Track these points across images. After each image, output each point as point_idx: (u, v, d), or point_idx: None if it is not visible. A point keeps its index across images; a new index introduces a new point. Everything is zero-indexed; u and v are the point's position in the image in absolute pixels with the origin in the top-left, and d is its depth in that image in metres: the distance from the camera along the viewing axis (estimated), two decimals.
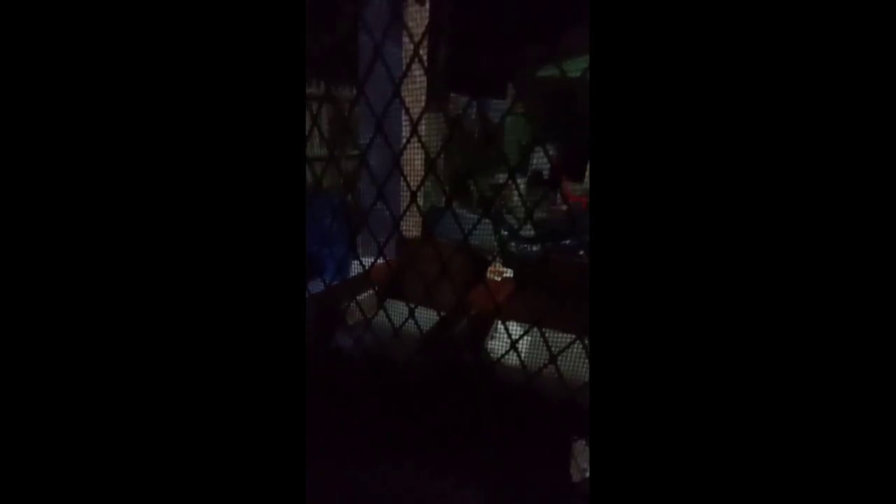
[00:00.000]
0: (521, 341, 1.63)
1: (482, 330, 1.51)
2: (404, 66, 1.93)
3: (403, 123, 1.97)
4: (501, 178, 4.53)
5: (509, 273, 1.83)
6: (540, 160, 5.78)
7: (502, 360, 1.47)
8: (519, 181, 4.90)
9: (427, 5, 1.87)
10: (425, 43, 1.98)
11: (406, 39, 1.86)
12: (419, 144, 2.06)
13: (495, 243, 2.32)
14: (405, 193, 2.05)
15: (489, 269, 1.79)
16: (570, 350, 1.47)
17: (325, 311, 1.50)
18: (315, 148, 4.68)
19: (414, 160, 2.02)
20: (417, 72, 1.89)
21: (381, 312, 1.69)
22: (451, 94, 3.90)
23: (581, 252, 2.95)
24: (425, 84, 1.99)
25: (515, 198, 4.18)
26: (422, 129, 2.05)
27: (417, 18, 1.86)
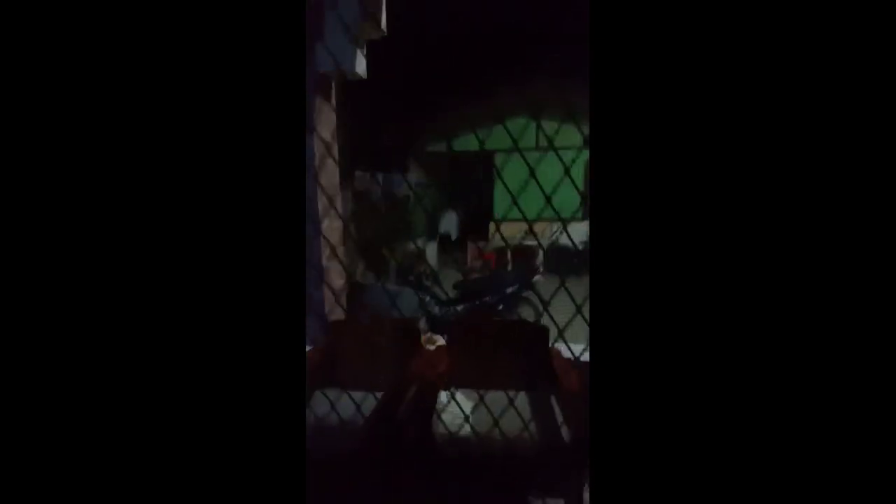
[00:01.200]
0: (468, 407, 1.62)
1: (429, 403, 1.48)
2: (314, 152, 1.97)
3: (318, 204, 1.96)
4: (412, 245, 4.68)
5: (442, 340, 1.85)
6: (445, 225, 6.13)
7: (456, 431, 1.44)
8: (428, 247, 5.09)
9: (332, 98, 1.98)
10: (333, 129, 2.06)
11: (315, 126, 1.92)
12: (335, 223, 2.06)
13: (421, 312, 2.34)
14: (327, 269, 2.00)
15: (422, 338, 1.78)
16: (510, 408, 1.51)
17: None
18: None
19: (330, 237, 2.01)
20: (328, 159, 1.94)
21: (317, 402, 1.56)
22: (357, 172, 4.03)
23: (500, 307, 3.11)
24: (336, 168, 2.05)
25: (428, 264, 4.32)
26: (338, 207, 2.06)
27: (324, 109, 1.95)
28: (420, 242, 4.89)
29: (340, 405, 1.55)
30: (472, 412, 1.51)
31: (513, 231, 5.39)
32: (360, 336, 1.72)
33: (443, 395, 1.62)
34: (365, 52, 1.89)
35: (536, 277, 3.31)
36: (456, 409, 1.56)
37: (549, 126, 5.35)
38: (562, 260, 4.79)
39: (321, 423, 1.43)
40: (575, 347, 1.70)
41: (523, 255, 4.61)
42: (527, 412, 1.60)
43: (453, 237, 5.71)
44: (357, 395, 1.59)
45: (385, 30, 1.88)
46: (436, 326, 2.11)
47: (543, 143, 5.51)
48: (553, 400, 1.64)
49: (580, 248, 4.98)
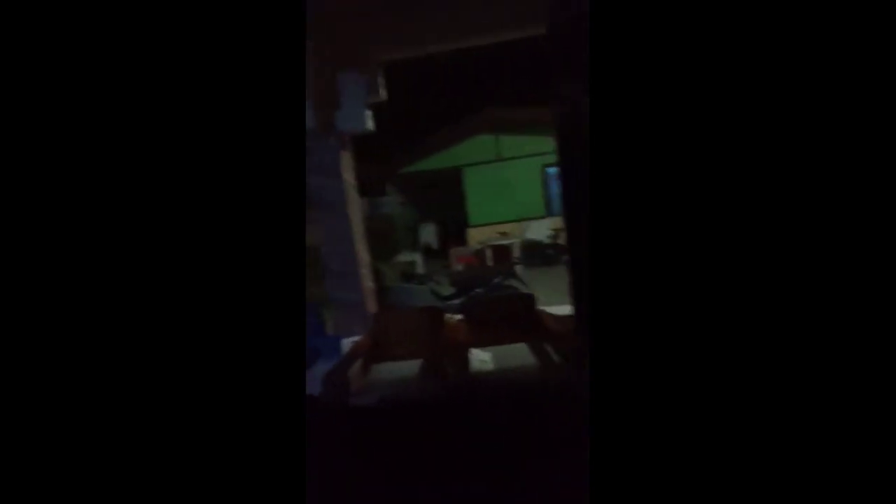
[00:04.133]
0: (489, 358, 2.25)
1: (462, 356, 2.10)
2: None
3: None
4: (404, 257, 5.29)
5: (458, 317, 2.48)
6: (426, 237, 6.78)
7: (485, 374, 2.08)
8: (415, 257, 5.72)
9: (349, 147, 2.60)
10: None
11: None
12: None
13: (433, 303, 2.96)
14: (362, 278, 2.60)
15: (445, 317, 2.41)
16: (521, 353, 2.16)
17: (334, 386, 1.92)
18: None
19: (359, 253, 2.62)
20: (352, 194, 2.56)
21: (377, 372, 2.14)
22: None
23: (491, 295, 3.77)
24: (357, 200, 2.67)
25: (423, 269, 4.95)
26: (359, 231, 2.66)
27: (346, 158, 2.57)
28: (406, 255, 5.52)
29: (395, 371, 2.14)
30: (491, 359, 2.13)
31: (487, 234, 6.12)
32: (405, 320, 2.33)
33: (470, 351, 2.24)
34: (370, 113, 2.54)
35: (516, 268, 4.01)
36: (480, 356, 2.19)
37: (507, 140, 6.18)
38: (532, 252, 5.56)
39: (388, 386, 2.01)
40: (554, 308, 2.37)
41: (501, 252, 5.35)
42: (529, 355, 2.24)
43: (435, 246, 6.37)
44: (406, 363, 2.19)
45: (385, 94, 2.55)
46: (447, 311, 2.74)
47: (504, 154, 6.32)
48: (545, 345, 2.30)
49: (547, 241, 5.76)
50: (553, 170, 5.88)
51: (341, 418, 1.84)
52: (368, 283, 2.74)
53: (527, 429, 1.61)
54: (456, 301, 3.61)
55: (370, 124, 2.57)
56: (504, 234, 6.08)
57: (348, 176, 2.62)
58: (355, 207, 2.62)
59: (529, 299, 2.41)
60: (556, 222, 5.54)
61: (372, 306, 2.60)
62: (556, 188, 5.83)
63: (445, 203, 6.87)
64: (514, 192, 6.30)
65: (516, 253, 5.44)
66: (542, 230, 6.07)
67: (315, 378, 2.01)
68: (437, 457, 1.56)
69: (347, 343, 2.38)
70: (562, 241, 4.97)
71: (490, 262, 5.31)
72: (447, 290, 3.73)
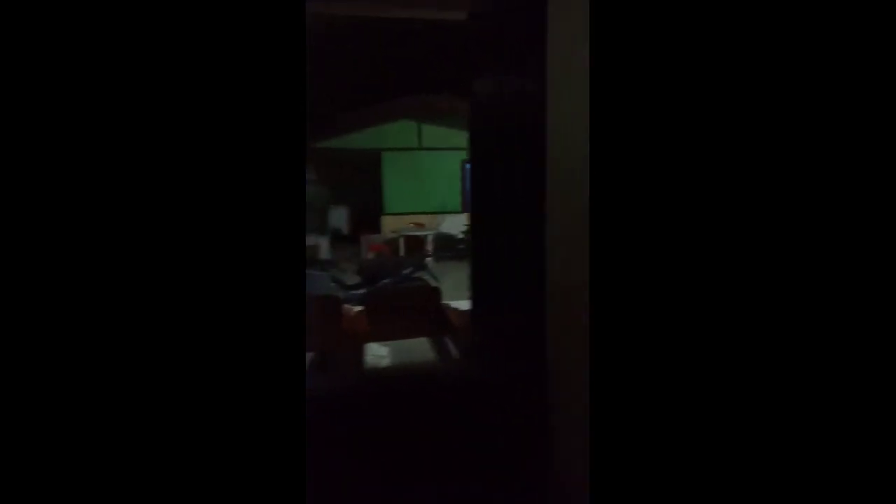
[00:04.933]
0: (386, 353, 2.12)
1: (357, 351, 1.94)
2: None
3: None
4: (308, 240, 4.91)
5: (358, 308, 2.32)
6: (335, 220, 6.40)
7: (383, 369, 1.95)
8: (321, 241, 5.36)
9: None
10: None
11: None
12: None
13: (333, 292, 2.74)
14: None
15: (343, 307, 2.23)
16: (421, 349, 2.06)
17: None
18: None
19: None
20: None
21: None
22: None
23: (398, 285, 3.64)
24: None
25: (329, 255, 4.64)
26: None
27: None
28: (311, 238, 5.15)
29: None
30: (388, 353, 2.01)
31: (401, 223, 5.97)
32: None
33: (367, 345, 2.10)
34: None
35: (427, 260, 3.93)
36: (377, 351, 2.05)
37: (430, 130, 6.04)
38: (445, 246, 5.54)
39: None
40: (459, 303, 2.33)
41: (414, 243, 5.24)
42: (429, 350, 2.17)
43: (344, 231, 6.05)
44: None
45: None
46: (349, 301, 2.57)
47: (427, 143, 6.19)
48: (446, 340, 2.24)
49: (461, 236, 5.79)
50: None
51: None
52: None
53: (427, 425, 1.54)
54: (360, 291, 3.42)
55: None
56: (419, 225, 5.99)
57: None
58: None
59: (436, 293, 2.34)
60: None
61: None
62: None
63: (361, 186, 6.55)
64: (434, 183, 6.21)
65: (430, 245, 5.39)
66: (457, 224, 6.11)
67: None
68: (326, 452, 1.41)
69: None
70: None
71: (402, 253, 5.18)
72: (352, 279, 3.53)
